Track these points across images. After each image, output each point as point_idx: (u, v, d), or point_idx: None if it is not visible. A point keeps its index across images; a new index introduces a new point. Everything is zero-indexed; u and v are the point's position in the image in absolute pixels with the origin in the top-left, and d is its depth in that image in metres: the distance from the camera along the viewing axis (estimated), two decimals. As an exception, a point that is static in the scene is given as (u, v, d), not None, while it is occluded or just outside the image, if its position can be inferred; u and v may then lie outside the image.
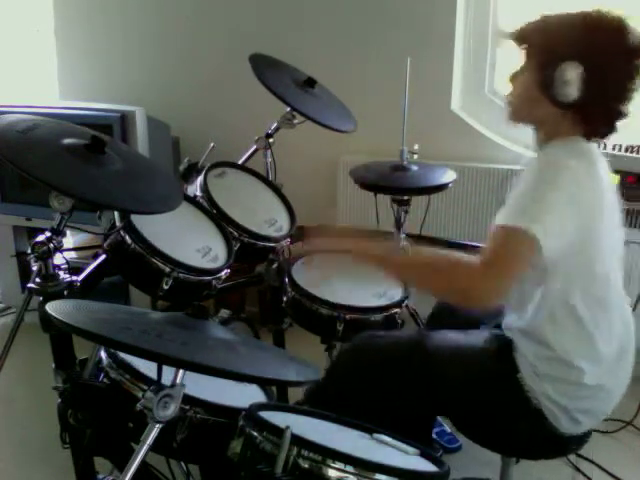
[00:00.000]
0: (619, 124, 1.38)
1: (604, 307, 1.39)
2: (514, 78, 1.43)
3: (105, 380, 1.31)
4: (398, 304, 1.84)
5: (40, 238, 1.39)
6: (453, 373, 1.47)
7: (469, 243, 2.48)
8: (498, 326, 1.56)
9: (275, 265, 2.10)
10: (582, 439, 1.51)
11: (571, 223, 1.28)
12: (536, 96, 1.37)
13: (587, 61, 1.29)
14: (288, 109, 2.10)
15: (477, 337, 1.53)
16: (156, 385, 1.05)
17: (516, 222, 1.24)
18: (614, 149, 2.33)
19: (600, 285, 1.38)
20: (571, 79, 1.30)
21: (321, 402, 1.49)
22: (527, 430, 1.44)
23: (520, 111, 1.44)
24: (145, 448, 1.05)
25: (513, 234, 1.24)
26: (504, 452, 1.60)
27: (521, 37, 1.40)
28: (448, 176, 2.17)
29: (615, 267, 1.43)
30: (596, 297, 1.38)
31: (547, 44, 1.36)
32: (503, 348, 1.45)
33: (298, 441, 1.04)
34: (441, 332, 1.58)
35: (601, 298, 1.38)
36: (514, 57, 1.44)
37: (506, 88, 1.47)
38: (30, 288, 1.43)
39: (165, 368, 1.05)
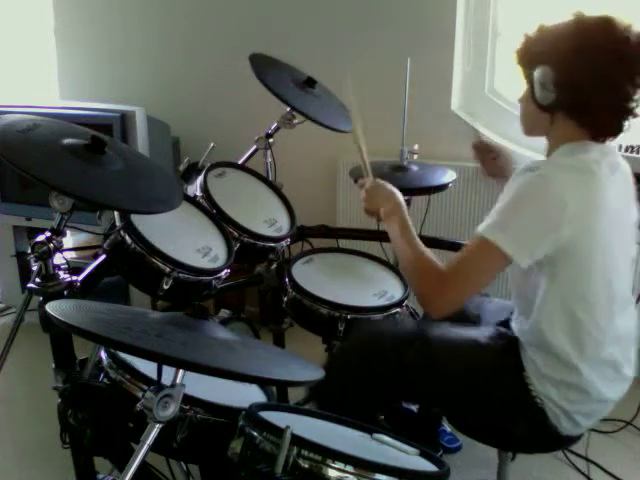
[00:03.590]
0: (626, 121, 1.37)
1: (607, 313, 1.39)
2: (521, 99, 1.47)
3: (105, 380, 1.31)
4: (398, 304, 1.84)
5: (40, 238, 1.39)
6: (456, 365, 1.48)
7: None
8: (504, 324, 1.57)
9: (275, 265, 2.10)
10: (576, 439, 1.52)
11: (549, 240, 1.32)
12: (531, 106, 1.42)
13: (555, 63, 1.34)
14: (288, 109, 2.10)
15: (482, 332, 1.54)
16: (156, 385, 1.05)
17: (492, 235, 1.31)
18: (614, 149, 2.33)
19: (601, 292, 1.37)
20: (545, 82, 1.35)
21: (324, 394, 1.51)
22: (527, 427, 1.45)
23: (526, 124, 1.48)
24: (145, 448, 1.05)
25: (486, 248, 1.32)
26: (499, 445, 1.60)
27: (517, 58, 1.45)
28: (448, 176, 2.17)
29: (621, 276, 1.42)
30: (597, 303, 1.37)
31: (526, 54, 1.42)
32: (510, 346, 1.46)
33: (298, 441, 1.04)
34: (444, 325, 1.58)
35: (603, 305, 1.38)
36: (513, 57, 1.46)
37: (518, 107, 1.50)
38: (30, 288, 1.43)
39: (165, 368, 1.05)
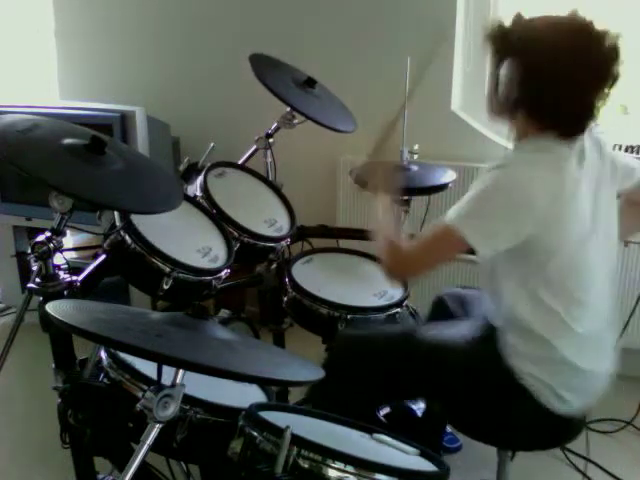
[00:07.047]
0: (587, 124, 1.37)
1: (578, 302, 1.41)
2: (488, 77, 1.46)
3: (105, 380, 1.31)
4: (398, 304, 1.84)
5: (40, 238, 1.39)
6: (442, 359, 1.51)
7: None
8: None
9: (275, 265, 2.10)
10: (573, 429, 1.54)
11: (514, 235, 1.35)
12: (494, 96, 1.41)
13: (523, 61, 1.33)
14: (288, 109, 2.10)
15: (465, 325, 1.58)
16: (156, 385, 1.05)
17: (458, 225, 1.34)
18: (614, 149, 2.32)
19: (571, 284, 1.41)
20: (510, 78, 1.34)
21: (323, 395, 1.54)
22: (517, 409, 1.47)
23: (489, 109, 1.47)
24: (145, 448, 1.05)
25: (451, 236, 1.36)
26: (496, 442, 1.60)
27: (487, 41, 1.43)
28: (448, 176, 2.16)
29: (594, 267, 1.44)
30: (567, 294, 1.40)
31: (497, 42, 1.40)
32: (488, 333, 1.49)
33: (298, 441, 1.04)
34: (433, 323, 1.65)
35: (573, 295, 1.41)
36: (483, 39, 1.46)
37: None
38: (30, 288, 1.43)
39: (165, 368, 1.05)
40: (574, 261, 1.40)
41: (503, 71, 1.36)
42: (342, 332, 1.75)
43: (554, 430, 1.51)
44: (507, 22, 1.41)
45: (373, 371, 1.56)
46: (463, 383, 1.49)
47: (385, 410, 1.95)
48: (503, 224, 1.35)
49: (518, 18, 1.40)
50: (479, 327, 1.54)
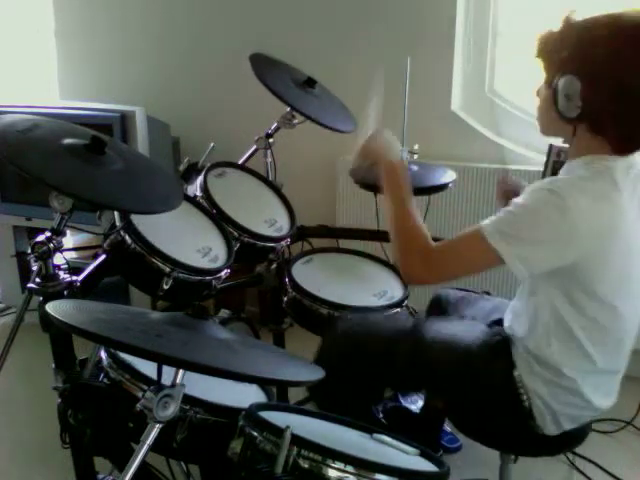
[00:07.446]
0: None
1: (604, 332, 1.37)
2: (538, 92, 1.39)
3: (105, 380, 1.31)
4: (398, 304, 1.84)
5: (40, 238, 1.39)
6: (446, 359, 1.48)
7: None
8: (498, 322, 1.57)
9: (275, 265, 2.10)
10: (579, 437, 1.53)
11: (551, 262, 1.29)
12: (552, 112, 1.33)
13: (585, 75, 1.25)
14: (288, 109, 2.10)
15: (475, 328, 1.55)
16: (156, 385, 1.05)
17: (494, 241, 1.27)
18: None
19: (603, 313, 1.35)
20: (571, 93, 1.27)
21: (319, 389, 1.51)
22: (509, 425, 1.46)
23: (543, 126, 1.41)
24: (145, 448, 1.05)
25: (485, 249, 1.28)
26: (485, 442, 1.60)
27: (537, 51, 1.36)
28: (448, 176, 2.16)
29: (627, 298, 1.37)
30: (596, 322, 1.35)
31: (551, 54, 1.33)
32: (502, 343, 1.46)
33: (298, 441, 1.04)
34: (439, 319, 1.61)
35: (601, 324, 1.36)
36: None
37: (534, 102, 1.42)
38: (30, 288, 1.43)
39: (165, 368, 1.05)
40: (614, 295, 1.34)
41: (561, 87, 1.27)
42: (340, 323, 1.69)
43: (560, 439, 1.48)
44: (556, 28, 1.31)
45: (368, 365, 1.53)
46: (470, 386, 1.47)
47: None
48: (542, 250, 1.28)
49: (568, 23, 1.30)
50: (491, 333, 1.51)
